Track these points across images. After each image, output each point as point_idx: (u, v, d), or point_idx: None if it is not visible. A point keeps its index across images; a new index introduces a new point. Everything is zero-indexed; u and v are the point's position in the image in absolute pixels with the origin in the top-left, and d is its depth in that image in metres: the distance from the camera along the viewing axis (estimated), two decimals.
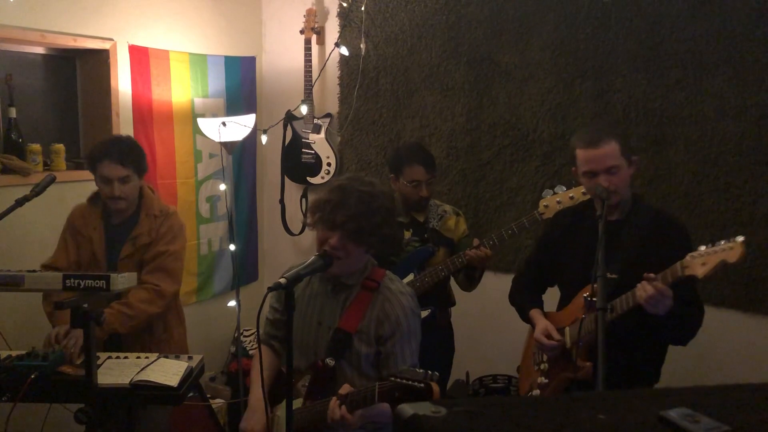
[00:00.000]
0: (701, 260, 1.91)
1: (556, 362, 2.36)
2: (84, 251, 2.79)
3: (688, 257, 1.94)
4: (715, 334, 3.16)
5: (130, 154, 2.73)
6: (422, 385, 1.64)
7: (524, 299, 2.59)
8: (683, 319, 2.14)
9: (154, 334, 2.79)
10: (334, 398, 1.92)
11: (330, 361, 2.07)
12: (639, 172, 3.22)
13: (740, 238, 1.87)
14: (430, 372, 1.72)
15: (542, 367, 2.43)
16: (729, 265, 1.89)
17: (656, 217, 2.29)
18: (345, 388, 1.92)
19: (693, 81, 3.12)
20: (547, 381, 2.40)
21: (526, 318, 2.55)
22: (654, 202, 2.67)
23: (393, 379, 1.74)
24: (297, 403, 2.17)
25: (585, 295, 2.26)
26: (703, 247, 1.93)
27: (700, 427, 0.70)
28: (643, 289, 2.01)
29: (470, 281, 2.96)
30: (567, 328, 2.33)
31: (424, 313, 2.95)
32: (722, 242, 1.90)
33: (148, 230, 2.79)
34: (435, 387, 1.63)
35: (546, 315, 2.48)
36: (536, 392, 2.42)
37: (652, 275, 2.02)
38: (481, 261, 2.77)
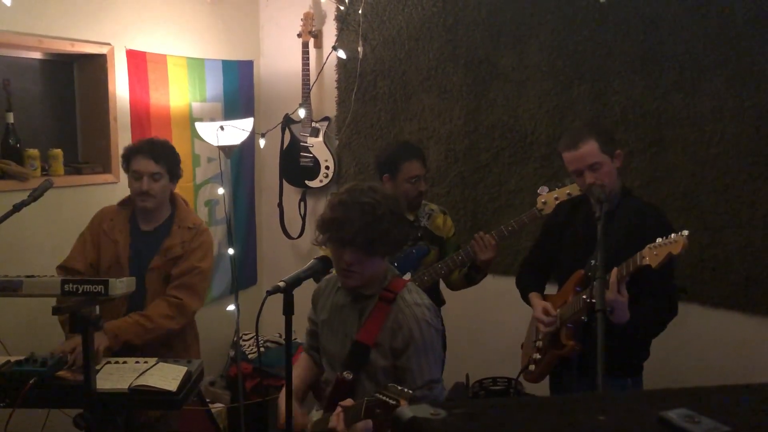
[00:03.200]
0: (655, 251, 2.05)
1: (549, 340, 2.50)
2: (106, 254, 2.77)
3: (646, 248, 2.08)
4: (715, 334, 3.17)
5: (164, 154, 2.77)
6: (394, 402, 1.69)
7: (526, 282, 2.71)
8: (649, 316, 2.27)
9: (173, 350, 2.76)
10: (339, 407, 1.91)
11: (348, 375, 2.05)
12: (636, 176, 3.24)
13: (685, 232, 2.02)
14: (406, 390, 1.76)
15: (538, 344, 2.57)
16: (674, 256, 2.02)
17: (640, 211, 2.40)
18: (348, 402, 1.91)
19: (690, 82, 3.13)
20: (540, 357, 2.55)
21: (526, 300, 2.67)
22: (644, 198, 2.74)
23: (377, 395, 1.75)
24: (320, 414, 2.18)
25: (584, 297, 2.29)
26: (659, 240, 2.06)
27: (701, 428, 0.70)
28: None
29: (469, 281, 2.94)
30: (558, 310, 2.47)
31: None
32: (673, 235, 2.03)
33: (181, 242, 2.78)
34: (403, 403, 1.68)
35: (545, 298, 2.60)
36: (532, 367, 2.58)
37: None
38: (485, 252, 2.74)
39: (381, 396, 1.73)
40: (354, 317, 2.13)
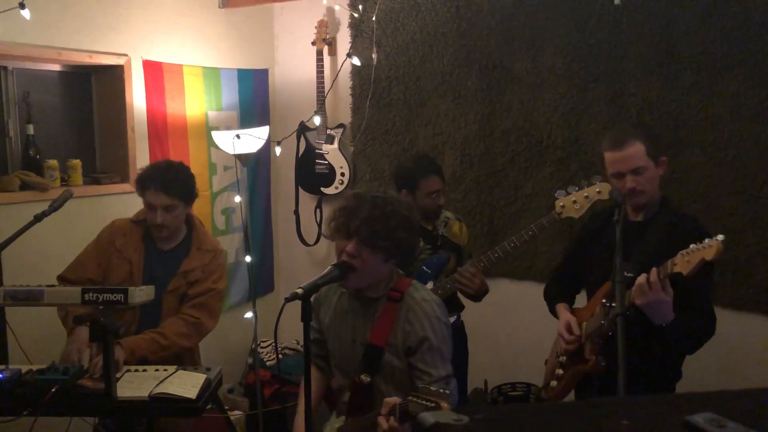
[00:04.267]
0: (687, 258, 1.93)
1: (573, 355, 2.41)
2: (118, 271, 2.76)
3: (678, 255, 1.96)
4: (737, 337, 3.13)
5: (177, 183, 2.71)
6: (432, 404, 1.67)
7: (554, 294, 2.62)
8: (686, 328, 2.14)
9: (181, 360, 2.77)
10: (385, 406, 1.87)
11: (365, 378, 2.05)
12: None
13: (720, 237, 1.88)
14: (441, 390, 1.73)
15: (561, 359, 2.47)
16: (707, 262, 1.89)
17: (678, 220, 2.30)
18: (394, 400, 1.88)
19: (707, 83, 3.10)
20: (562, 372, 2.45)
21: (553, 312, 2.57)
22: (681, 206, 2.66)
23: (410, 398, 1.74)
24: (340, 421, 2.17)
25: (603, 300, 2.27)
26: (693, 245, 1.94)
27: None
28: (638, 282, 2.04)
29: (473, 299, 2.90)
30: (584, 324, 2.37)
31: (451, 320, 2.94)
32: (707, 240, 1.91)
33: (201, 265, 2.79)
34: (444, 405, 1.65)
35: (573, 311, 2.50)
36: (554, 383, 2.48)
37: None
38: (470, 282, 2.70)
39: (416, 399, 1.72)
40: (364, 321, 2.13)
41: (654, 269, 2.03)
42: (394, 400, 1.81)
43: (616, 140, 2.28)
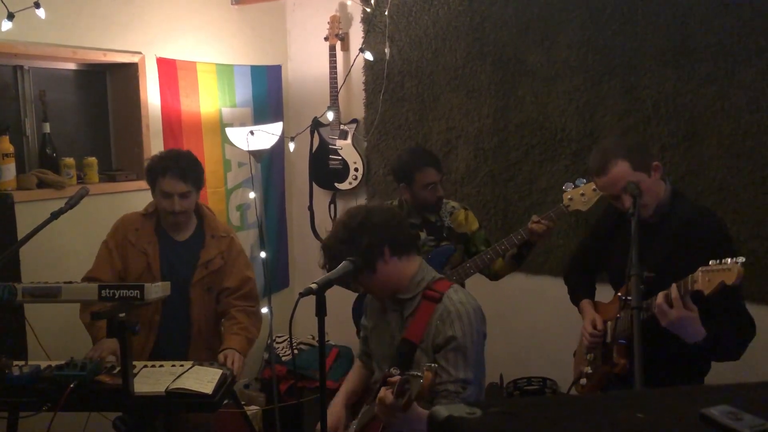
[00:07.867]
0: (707, 276, 1.83)
1: (602, 356, 2.35)
2: (135, 264, 2.80)
3: (699, 272, 1.86)
4: (758, 331, 3.09)
5: (191, 170, 2.77)
6: (419, 375, 1.70)
7: (578, 284, 2.58)
8: (724, 338, 2.04)
9: (214, 350, 2.84)
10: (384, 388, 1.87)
11: (394, 371, 2.05)
12: (670, 170, 3.17)
13: (740, 259, 1.80)
14: (432, 365, 1.74)
15: (589, 357, 2.42)
16: (728, 286, 1.79)
17: (694, 215, 2.23)
18: (392, 380, 1.87)
19: (724, 74, 3.06)
20: (591, 372, 2.39)
21: (575, 302, 2.55)
22: (694, 199, 2.60)
23: (407, 376, 1.74)
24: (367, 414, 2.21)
25: (619, 294, 2.24)
26: (713, 262, 1.84)
27: (744, 425, 0.68)
28: (658, 303, 1.96)
29: (519, 261, 2.88)
30: (609, 323, 2.31)
31: None
32: (728, 260, 1.81)
33: (219, 253, 2.84)
34: (427, 375, 1.68)
35: (596, 305, 2.46)
36: (583, 381, 2.42)
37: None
38: (543, 235, 2.68)
39: (413, 377, 1.72)
40: (398, 318, 2.16)
41: (674, 285, 1.94)
42: (397, 378, 1.81)
43: (597, 165, 2.20)
